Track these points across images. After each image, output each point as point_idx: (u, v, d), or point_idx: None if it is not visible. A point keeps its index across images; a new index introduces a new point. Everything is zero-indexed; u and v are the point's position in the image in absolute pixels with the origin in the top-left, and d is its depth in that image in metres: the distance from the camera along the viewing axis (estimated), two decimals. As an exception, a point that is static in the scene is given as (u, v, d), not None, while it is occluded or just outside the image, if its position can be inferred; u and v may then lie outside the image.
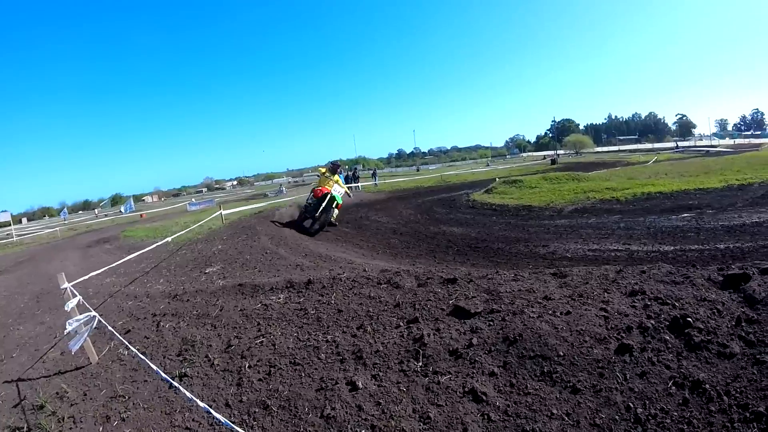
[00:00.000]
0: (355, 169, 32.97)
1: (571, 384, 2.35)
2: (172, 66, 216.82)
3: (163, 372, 2.98)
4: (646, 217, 9.00)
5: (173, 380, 3.09)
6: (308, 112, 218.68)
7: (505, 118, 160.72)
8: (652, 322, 2.70)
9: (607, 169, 24.00)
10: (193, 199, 44.49)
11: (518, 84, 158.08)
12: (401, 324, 3.39)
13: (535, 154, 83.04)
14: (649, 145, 69.25)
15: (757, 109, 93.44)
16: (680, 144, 63.26)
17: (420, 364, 2.85)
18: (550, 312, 3.04)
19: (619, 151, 67.34)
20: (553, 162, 41.05)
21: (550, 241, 7.73)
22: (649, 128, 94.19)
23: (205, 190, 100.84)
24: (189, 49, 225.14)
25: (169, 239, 10.07)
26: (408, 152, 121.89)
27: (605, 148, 74.48)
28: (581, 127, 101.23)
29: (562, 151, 70.71)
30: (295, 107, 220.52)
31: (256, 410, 2.76)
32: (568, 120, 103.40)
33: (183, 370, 3.47)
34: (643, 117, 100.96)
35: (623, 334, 2.65)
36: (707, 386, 2.14)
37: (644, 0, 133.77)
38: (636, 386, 2.25)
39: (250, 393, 2.97)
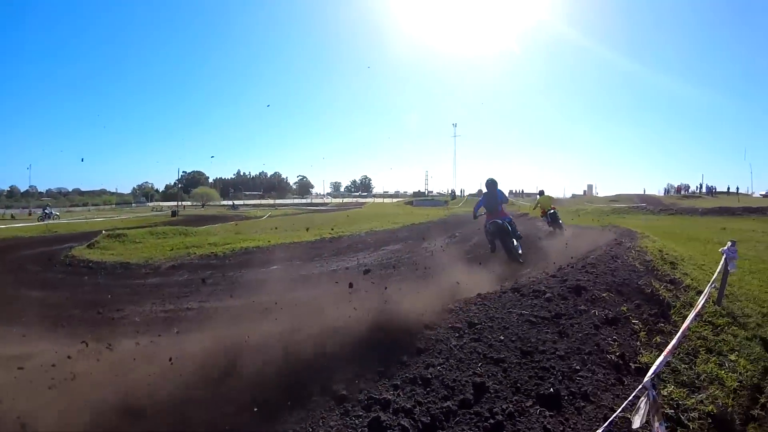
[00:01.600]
0: None
1: None
2: None
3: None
4: (237, 271, 9.40)
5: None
6: None
7: (135, 163, 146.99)
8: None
9: (223, 222, 25.26)
10: None
11: (148, 130, 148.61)
12: None
13: (163, 203, 79.29)
14: (271, 201, 78.46)
15: (366, 175, 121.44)
16: (297, 201, 75.17)
17: None
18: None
19: (245, 204, 73.17)
20: (174, 214, 40.02)
21: (129, 304, 7.02)
22: (273, 186, 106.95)
23: None
24: None
25: None
26: (22, 190, 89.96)
27: (231, 202, 78.93)
28: (210, 180, 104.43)
29: (188, 203, 70.33)
30: None
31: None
32: (198, 172, 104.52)
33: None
34: (269, 175, 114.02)
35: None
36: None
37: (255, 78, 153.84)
38: None
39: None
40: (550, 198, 14.81)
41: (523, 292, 5.21)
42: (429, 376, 3.41)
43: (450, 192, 74.12)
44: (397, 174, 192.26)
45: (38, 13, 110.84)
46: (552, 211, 13.55)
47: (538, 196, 15.68)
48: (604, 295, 5.25)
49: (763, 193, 52.13)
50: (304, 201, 77.54)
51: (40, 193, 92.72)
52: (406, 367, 3.55)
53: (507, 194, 10.90)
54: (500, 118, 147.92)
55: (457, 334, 4.08)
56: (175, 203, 68.09)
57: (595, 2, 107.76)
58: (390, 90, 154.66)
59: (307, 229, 16.90)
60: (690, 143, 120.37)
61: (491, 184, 9.23)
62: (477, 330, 4.16)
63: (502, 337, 4.04)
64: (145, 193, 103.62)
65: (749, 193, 53.56)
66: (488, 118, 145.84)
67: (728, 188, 56.06)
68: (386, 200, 69.64)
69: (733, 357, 4.34)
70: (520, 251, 8.76)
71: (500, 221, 8.80)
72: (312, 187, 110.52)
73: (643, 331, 4.56)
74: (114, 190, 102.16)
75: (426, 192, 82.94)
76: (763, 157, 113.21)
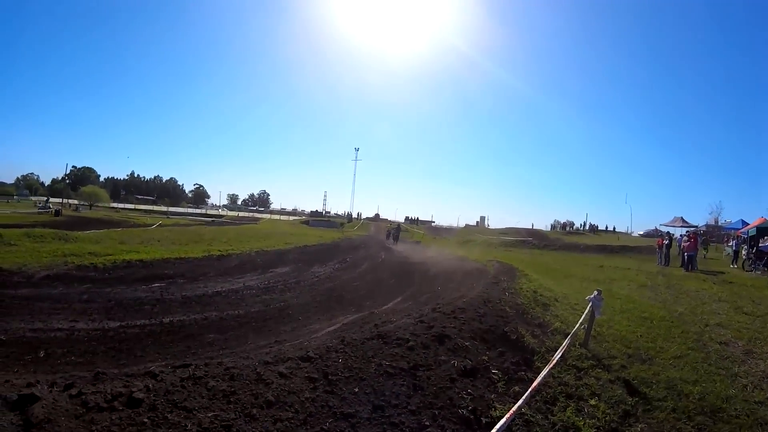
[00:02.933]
0: None
1: None
2: None
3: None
4: (116, 287, 9.19)
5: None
6: None
7: (20, 149, 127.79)
8: None
9: (109, 228, 23.68)
10: None
11: (39, 118, 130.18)
12: None
13: (49, 199, 70.71)
14: (165, 208, 73.68)
15: (265, 190, 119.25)
16: (191, 210, 71.52)
17: None
18: None
19: (136, 209, 68.00)
20: (57, 213, 36.26)
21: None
22: (167, 192, 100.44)
23: None
24: None
25: None
26: None
27: (122, 205, 73.16)
28: (102, 179, 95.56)
29: (76, 201, 63.82)
30: None
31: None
32: (89, 168, 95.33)
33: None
34: (164, 180, 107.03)
35: None
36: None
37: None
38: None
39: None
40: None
41: (387, 339, 5.09)
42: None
43: (347, 214, 76.08)
44: (297, 191, 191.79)
45: None
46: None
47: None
48: (467, 343, 5.21)
49: (641, 233, 58.36)
50: (198, 211, 74.30)
51: None
52: (254, 421, 3.31)
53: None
54: (403, 146, 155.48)
55: (312, 386, 3.90)
56: (60, 200, 61.46)
57: (499, 36, 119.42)
58: (295, 104, 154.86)
59: (196, 243, 16.78)
60: (577, 184, 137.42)
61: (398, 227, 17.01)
62: (332, 381, 4.01)
63: (356, 389, 3.91)
64: (29, 186, 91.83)
65: (629, 232, 60.71)
66: (391, 145, 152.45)
67: (606, 227, 64.73)
68: (283, 217, 69.57)
69: (593, 402, 4.40)
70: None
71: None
72: (208, 197, 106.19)
73: (502, 380, 4.52)
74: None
75: (324, 212, 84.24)
76: (641, 201, 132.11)
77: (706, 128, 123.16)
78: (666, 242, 22.51)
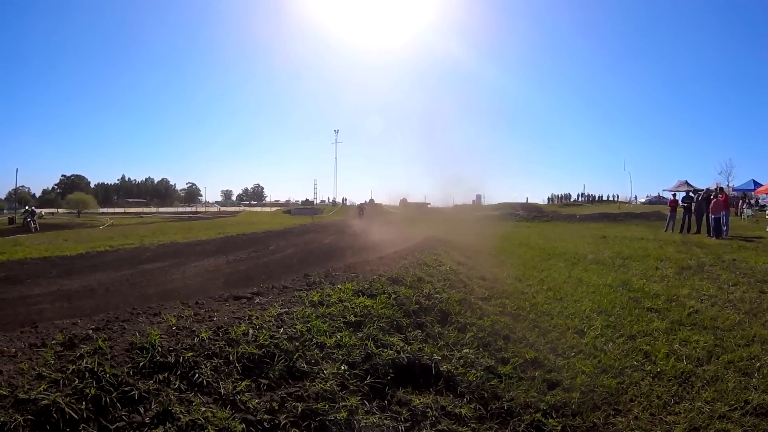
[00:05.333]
0: None
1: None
2: None
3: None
4: None
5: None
6: None
7: (11, 163, 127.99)
8: None
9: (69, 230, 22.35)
10: None
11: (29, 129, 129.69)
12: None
13: (39, 210, 70.29)
14: (154, 209, 73.03)
15: (259, 183, 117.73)
16: (178, 210, 70.62)
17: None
18: None
19: (125, 212, 67.06)
20: (11, 221, 34.32)
21: None
22: (159, 193, 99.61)
23: None
24: None
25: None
26: None
27: (113, 209, 72.45)
28: (93, 185, 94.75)
29: (63, 210, 63.21)
30: None
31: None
32: (78, 176, 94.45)
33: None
34: (156, 182, 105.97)
35: None
36: None
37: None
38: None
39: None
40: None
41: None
42: None
43: (332, 201, 74.73)
44: (291, 183, 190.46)
45: None
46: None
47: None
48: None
49: (643, 200, 53.46)
50: (186, 210, 72.99)
51: None
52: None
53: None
54: (391, 127, 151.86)
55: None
56: (53, 209, 60.75)
57: (483, 22, 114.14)
58: (283, 92, 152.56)
59: (110, 239, 15.01)
60: (573, 154, 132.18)
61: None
62: None
63: None
64: (20, 198, 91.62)
65: (629, 201, 54.61)
66: (379, 126, 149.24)
67: (608, 197, 59.06)
68: (275, 209, 67.61)
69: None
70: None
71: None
72: (200, 194, 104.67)
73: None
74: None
75: (314, 200, 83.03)
76: (641, 166, 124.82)
77: (708, 79, 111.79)
78: (684, 205, 18.09)
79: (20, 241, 15.54)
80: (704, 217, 16.43)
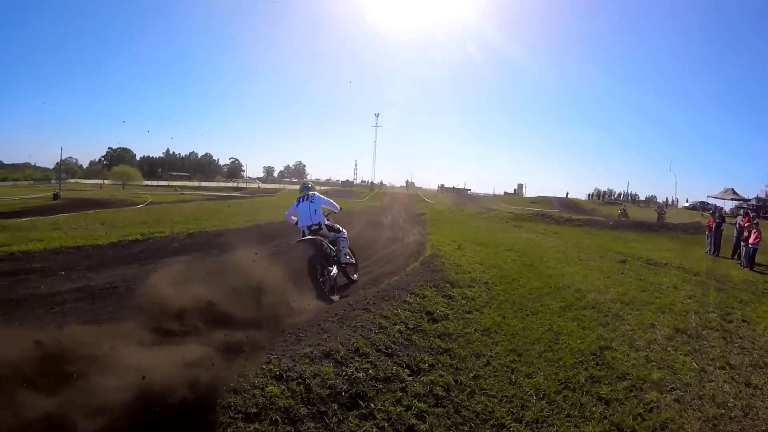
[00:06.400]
0: None
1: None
2: None
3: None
4: None
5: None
6: None
7: (59, 133, 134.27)
8: None
9: (109, 209, 23.43)
10: None
11: (78, 103, 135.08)
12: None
13: (85, 181, 74.31)
14: (197, 183, 75.23)
15: (300, 161, 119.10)
16: (220, 185, 72.67)
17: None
18: None
19: (169, 185, 69.23)
20: (55, 197, 35.52)
21: None
22: (202, 167, 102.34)
23: None
24: None
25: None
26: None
27: (156, 182, 75.05)
28: (138, 158, 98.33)
29: (108, 182, 66.13)
30: None
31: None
32: (124, 149, 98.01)
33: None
34: (199, 156, 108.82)
35: None
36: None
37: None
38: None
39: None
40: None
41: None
42: None
43: (369, 183, 74.41)
44: (332, 161, 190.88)
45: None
46: None
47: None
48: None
49: (686, 204, 48.04)
50: (226, 185, 74.75)
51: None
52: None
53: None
54: (433, 113, 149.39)
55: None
56: (100, 181, 63.57)
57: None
58: (333, 74, 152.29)
59: (144, 225, 15.53)
60: (620, 151, 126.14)
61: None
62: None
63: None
64: (67, 169, 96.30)
65: (670, 203, 49.87)
66: (422, 112, 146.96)
67: (647, 198, 56.37)
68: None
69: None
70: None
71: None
72: (243, 170, 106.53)
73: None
74: (34, 164, 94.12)
75: (353, 181, 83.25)
76: (687, 168, 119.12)
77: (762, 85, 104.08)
78: (717, 221, 16.67)
79: (60, 223, 16.28)
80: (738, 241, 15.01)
